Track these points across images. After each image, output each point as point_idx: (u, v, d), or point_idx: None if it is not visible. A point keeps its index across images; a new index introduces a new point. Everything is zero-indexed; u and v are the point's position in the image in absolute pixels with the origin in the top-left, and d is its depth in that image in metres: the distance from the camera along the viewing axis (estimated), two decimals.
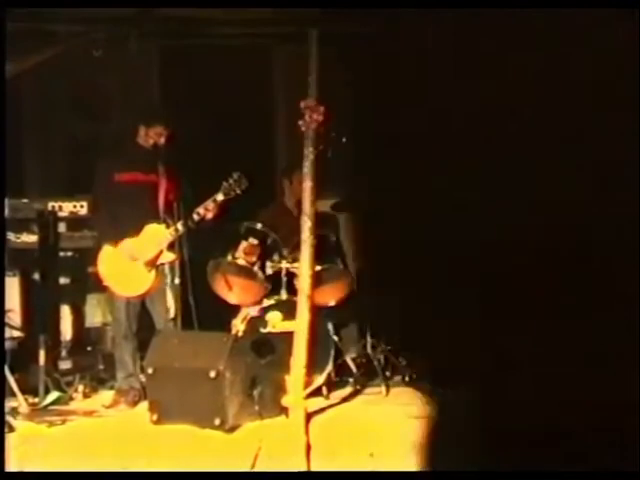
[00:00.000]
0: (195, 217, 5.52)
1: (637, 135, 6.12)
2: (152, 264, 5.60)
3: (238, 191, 5.53)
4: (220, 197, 5.54)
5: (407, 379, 5.99)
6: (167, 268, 5.58)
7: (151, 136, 5.68)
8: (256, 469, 4.50)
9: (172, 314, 5.46)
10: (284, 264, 5.91)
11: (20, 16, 5.69)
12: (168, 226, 5.57)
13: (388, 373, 6.00)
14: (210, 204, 5.53)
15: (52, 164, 7.49)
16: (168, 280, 5.53)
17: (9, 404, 5.25)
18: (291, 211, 6.25)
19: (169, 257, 5.57)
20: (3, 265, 5.64)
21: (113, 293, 5.71)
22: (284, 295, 5.89)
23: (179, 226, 5.51)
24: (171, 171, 5.62)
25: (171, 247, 5.56)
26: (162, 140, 5.68)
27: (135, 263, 5.58)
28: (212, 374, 4.64)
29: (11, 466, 4.38)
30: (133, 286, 5.61)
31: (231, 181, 5.54)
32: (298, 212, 4.92)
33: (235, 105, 7.58)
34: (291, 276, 5.87)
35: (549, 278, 5.74)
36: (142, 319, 5.73)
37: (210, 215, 5.55)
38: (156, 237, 5.58)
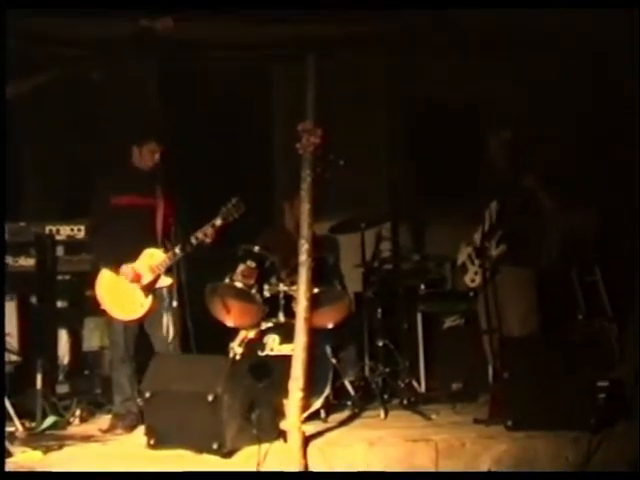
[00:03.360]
0: (193, 241, 5.52)
1: (637, 135, 6.15)
2: (150, 288, 5.59)
3: (236, 215, 5.53)
4: (219, 222, 5.54)
5: (405, 402, 5.96)
6: (165, 291, 5.57)
7: (145, 155, 5.68)
8: None
9: (171, 337, 5.45)
10: (282, 287, 5.91)
11: (20, 39, 5.73)
12: (166, 250, 5.56)
13: (386, 396, 5.97)
14: (208, 229, 5.53)
15: (49, 188, 7.50)
16: (166, 303, 5.51)
17: (6, 429, 5.22)
18: (291, 234, 6.25)
19: (167, 281, 5.56)
20: (3, 288, 5.63)
21: (111, 317, 5.69)
22: (282, 318, 5.89)
23: (177, 250, 5.50)
24: (168, 193, 5.63)
25: (169, 271, 5.55)
26: (157, 157, 5.67)
27: (133, 287, 5.58)
28: (210, 398, 4.62)
29: None
30: (131, 310, 5.61)
31: (229, 206, 5.53)
32: (298, 235, 4.92)
33: (233, 127, 7.62)
34: (289, 299, 5.86)
35: None
36: (140, 343, 5.71)
37: (208, 240, 5.55)
38: (154, 261, 5.57)
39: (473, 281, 5.99)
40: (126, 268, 5.56)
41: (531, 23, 6.36)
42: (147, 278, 5.57)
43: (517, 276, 5.91)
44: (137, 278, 5.56)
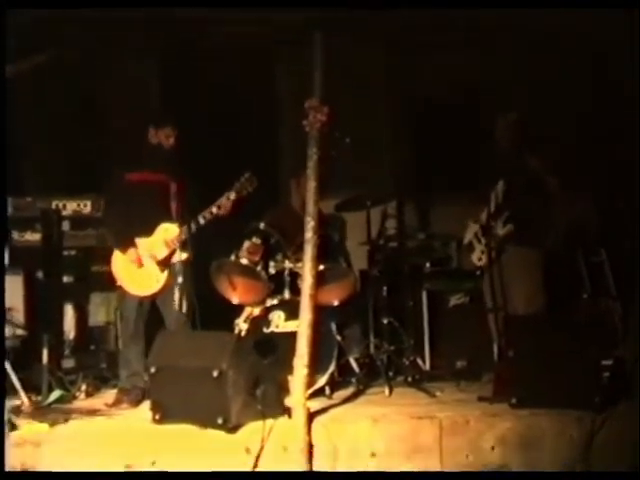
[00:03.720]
0: (208, 215, 5.55)
1: (637, 135, 6.14)
2: (166, 263, 5.61)
3: (250, 189, 5.58)
4: (232, 195, 5.57)
5: (410, 380, 5.98)
6: (177, 266, 5.58)
7: (160, 137, 5.71)
8: (258, 469, 4.51)
9: (184, 311, 5.47)
10: (287, 264, 5.92)
11: (23, 18, 5.72)
12: (181, 225, 5.58)
13: (391, 373, 5.98)
14: (224, 201, 5.56)
15: (55, 163, 7.50)
16: (177, 279, 5.53)
17: (12, 402, 5.26)
18: (297, 211, 6.25)
19: (182, 256, 5.57)
20: (3, 262, 5.64)
21: (125, 293, 5.71)
22: (287, 295, 5.90)
23: (191, 225, 5.52)
24: (181, 171, 5.64)
25: (183, 246, 5.57)
26: (171, 141, 5.71)
27: (149, 262, 5.60)
28: (215, 373, 4.63)
29: (14, 464, 4.39)
30: (147, 285, 5.63)
31: (243, 180, 5.58)
32: (304, 213, 4.91)
33: (239, 106, 7.61)
34: (294, 276, 5.87)
35: None
36: (151, 319, 5.73)
37: (222, 212, 5.57)
38: (169, 235, 5.59)
39: (480, 260, 5.99)
40: (132, 251, 5.57)
41: (531, 23, 6.36)
42: (162, 253, 5.60)
43: (523, 256, 5.91)
44: (140, 262, 5.58)
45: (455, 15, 6.32)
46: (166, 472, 4.44)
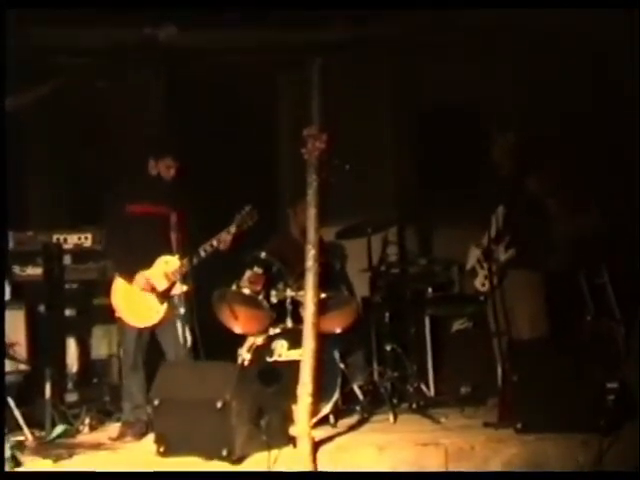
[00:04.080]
0: (208, 248, 5.56)
1: (637, 135, 6.15)
2: (165, 295, 5.61)
3: (250, 223, 5.61)
4: (233, 229, 5.60)
5: (414, 406, 5.95)
6: (177, 299, 5.58)
7: (161, 168, 5.72)
8: None
9: (188, 344, 5.46)
10: (289, 292, 5.92)
11: (23, 49, 5.76)
12: (181, 257, 5.58)
13: (395, 400, 5.96)
14: (224, 235, 5.57)
15: (56, 196, 7.52)
16: (179, 311, 5.52)
17: (15, 438, 5.23)
18: (297, 240, 6.25)
19: (182, 288, 5.57)
20: (3, 295, 5.63)
21: (124, 324, 5.70)
22: (289, 323, 5.89)
23: (191, 258, 5.53)
24: (181, 203, 5.64)
25: (183, 278, 5.57)
26: (172, 172, 5.71)
27: (149, 294, 5.59)
28: (219, 404, 4.61)
29: None
30: (147, 316, 5.62)
31: (243, 213, 5.61)
32: (304, 241, 4.92)
33: (236, 134, 7.63)
34: (296, 304, 5.87)
35: None
36: (151, 351, 5.72)
37: (223, 246, 5.58)
38: (169, 268, 5.59)
39: (483, 285, 5.98)
40: (140, 277, 5.57)
41: (531, 23, 6.37)
42: (162, 285, 5.60)
43: (526, 279, 5.90)
44: (149, 287, 5.57)
45: (455, 19, 6.32)
46: (167, 472, 4.41)
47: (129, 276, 5.63)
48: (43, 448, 5.27)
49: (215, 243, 5.58)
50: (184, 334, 5.45)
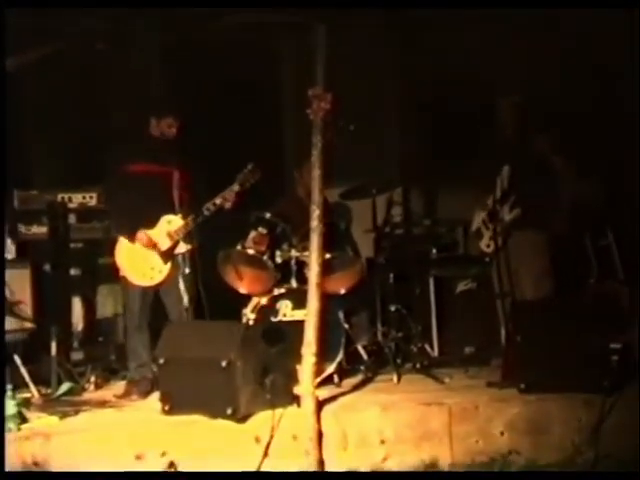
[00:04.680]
0: (211, 207, 5.56)
1: (637, 135, 6.12)
2: (168, 254, 5.61)
3: (253, 181, 5.61)
4: (236, 187, 5.60)
5: (418, 366, 5.98)
6: (180, 258, 5.59)
7: (162, 127, 5.70)
8: (268, 458, 4.52)
9: (186, 303, 5.48)
10: (293, 253, 5.92)
11: (23, 12, 5.71)
12: (184, 217, 5.58)
13: (399, 360, 5.98)
14: (227, 194, 5.57)
15: (61, 155, 7.50)
16: (182, 270, 5.54)
17: (22, 395, 5.27)
18: (302, 200, 6.24)
19: (184, 248, 5.58)
20: (3, 253, 5.64)
21: (128, 283, 5.71)
22: (294, 284, 5.90)
23: (194, 217, 5.53)
24: (184, 162, 5.63)
25: (186, 237, 5.58)
26: (173, 131, 5.70)
27: (152, 253, 5.60)
28: (223, 363, 4.64)
29: (25, 456, 4.41)
30: (149, 276, 5.63)
31: (246, 171, 5.60)
32: (309, 202, 4.91)
33: (242, 96, 7.59)
34: (301, 265, 5.88)
35: None
36: (155, 310, 5.74)
37: (228, 204, 5.58)
38: (172, 227, 5.60)
39: (489, 246, 5.98)
40: (141, 234, 5.58)
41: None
42: (165, 244, 5.60)
43: (531, 240, 5.90)
44: (151, 243, 5.58)
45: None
46: (167, 472, 4.45)
47: (131, 236, 5.63)
48: (49, 405, 5.32)
49: (218, 202, 5.58)
50: (188, 294, 5.47)
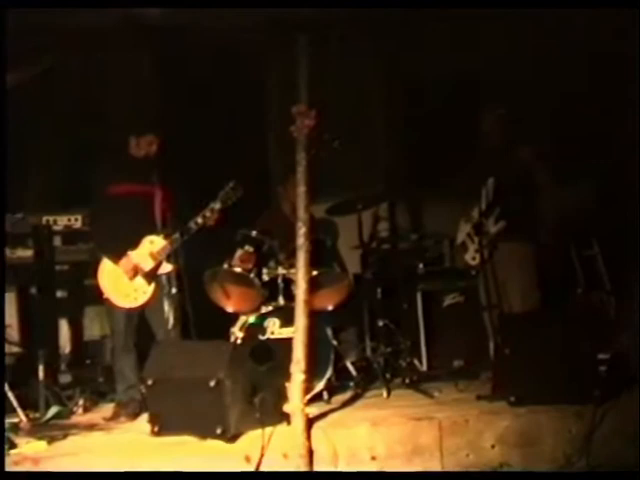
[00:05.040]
0: (193, 226, 5.52)
1: (637, 134, 6.15)
2: (152, 275, 5.59)
3: (234, 199, 5.56)
4: (217, 205, 5.55)
5: (407, 381, 5.97)
6: (164, 278, 5.57)
7: (142, 146, 5.68)
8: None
9: (171, 324, 5.46)
10: (280, 270, 5.92)
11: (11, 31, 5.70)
12: (166, 237, 5.56)
13: (388, 376, 5.97)
14: (208, 213, 5.54)
15: (45, 178, 7.49)
16: (166, 290, 5.52)
17: (10, 420, 5.23)
18: (288, 217, 6.24)
19: (168, 268, 5.56)
20: (3, 279, 5.62)
21: (112, 305, 5.69)
22: (281, 301, 5.90)
23: (177, 236, 5.51)
24: (165, 181, 5.61)
25: (169, 257, 5.56)
26: (154, 149, 5.68)
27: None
28: (212, 383, 4.62)
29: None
30: (133, 297, 5.60)
31: (227, 189, 5.56)
32: (295, 218, 4.91)
33: (226, 113, 7.60)
34: (288, 282, 5.87)
35: None
36: (141, 331, 5.72)
37: (210, 222, 5.56)
38: (155, 248, 5.58)
39: (474, 259, 5.99)
40: (126, 262, 5.55)
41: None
42: (148, 265, 5.57)
43: (516, 252, 5.91)
44: (135, 271, 5.55)
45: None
46: (167, 472, 4.42)
47: (115, 258, 5.60)
48: (38, 429, 5.28)
49: (200, 220, 5.53)
50: (173, 314, 5.44)
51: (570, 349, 4.97)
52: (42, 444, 4.85)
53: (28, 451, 4.72)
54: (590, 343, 4.99)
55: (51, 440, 4.91)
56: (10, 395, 5.47)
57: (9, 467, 4.44)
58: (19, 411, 5.45)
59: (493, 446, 4.74)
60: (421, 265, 6.84)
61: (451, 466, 4.68)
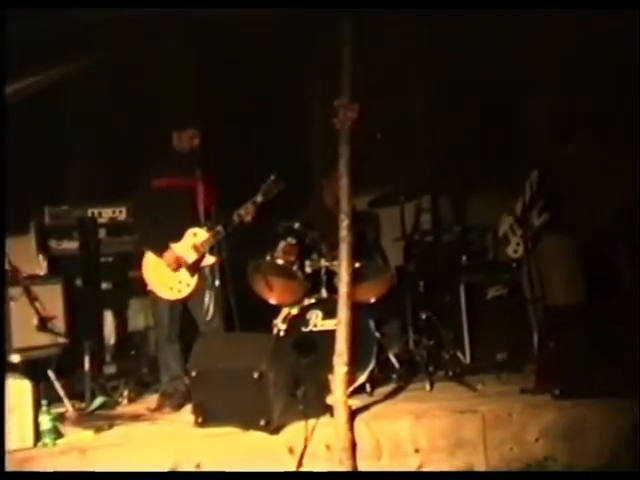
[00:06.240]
0: (235, 219, 5.57)
1: (637, 134, 6.07)
2: (195, 267, 5.63)
3: (276, 192, 5.61)
4: (259, 199, 5.61)
5: (450, 374, 5.95)
6: (207, 271, 5.62)
7: (185, 140, 5.73)
8: (302, 468, 4.51)
9: (210, 316, 5.50)
10: (323, 262, 5.92)
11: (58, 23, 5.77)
12: (209, 229, 5.60)
13: (431, 368, 5.95)
14: (250, 206, 5.59)
15: (91, 171, 7.55)
16: (209, 282, 5.56)
17: (57, 410, 5.31)
18: (330, 210, 6.24)
19: (211, 260, 5.61)
20: (4, 279, 5.68)
21: (156, 297, 5.74)
22: (324, 293, 5.89)
23: (220, 228, 5.55)
24: (208, 174, 5.66)
25: (212, 250, 5.60)
26: (196, 142, 5.72)
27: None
28: (255, 375, 4.64)
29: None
30: (177, 289, 5.65)
31: (269, 182, 5.60)
32: (337, 210, 4.91)
33: (269, 106, 7.61)
34: (331, 274, 5.87)
35: None
36: (186, 322, 5.76)
37: (250, 217, 5.59)
38: (198, 240, 5.62)
39: (516, 252, 5.94)
40: (169, 255, 5.60)
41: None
42: (192, 257, 5.62)
43: (561, 244, 5.85)
44: (177, 265, 5.60)
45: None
46: (166, 472, 4.45)
47: (158, 250, 5.66)
48: (84, 419, 5.35)
49: (242, 213, 5.59)
50: (213, 305, 5.48)
51: (615, 342, 4.92)
52: (89, 434, 4.93)
53: (75, 441, 4.80)
54: (635, 336, 4.93)
55: (97, 430, 4.98)
56: (57, 385, 5.55)
57: (55, 457, 4.50)
58: (66, 401, 5.53)
59: (537, 439, 4.71)
60: (464, 257, 6.80)
61: (495, 460, 4.67)
